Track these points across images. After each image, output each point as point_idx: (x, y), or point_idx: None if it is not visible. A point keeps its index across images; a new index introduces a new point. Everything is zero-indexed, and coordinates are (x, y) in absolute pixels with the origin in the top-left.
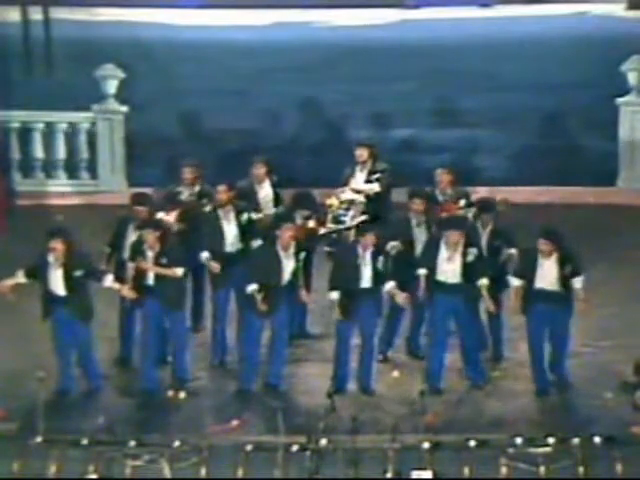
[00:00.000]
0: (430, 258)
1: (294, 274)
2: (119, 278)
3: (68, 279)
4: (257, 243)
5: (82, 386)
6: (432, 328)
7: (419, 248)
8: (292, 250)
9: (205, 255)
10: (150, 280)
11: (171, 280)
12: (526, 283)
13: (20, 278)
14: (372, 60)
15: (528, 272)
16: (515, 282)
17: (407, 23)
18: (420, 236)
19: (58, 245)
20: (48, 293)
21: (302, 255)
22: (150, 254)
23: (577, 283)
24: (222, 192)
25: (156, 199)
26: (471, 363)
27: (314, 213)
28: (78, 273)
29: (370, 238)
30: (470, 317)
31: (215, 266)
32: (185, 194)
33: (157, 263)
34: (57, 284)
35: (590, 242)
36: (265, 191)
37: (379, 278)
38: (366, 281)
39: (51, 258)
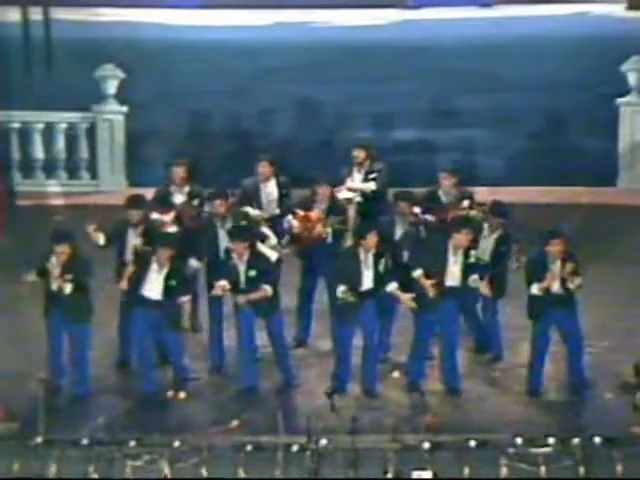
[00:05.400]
0: (440, 261)
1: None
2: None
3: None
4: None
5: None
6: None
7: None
8: (245, 258)
9: (194, 264)
10: (153, 293)
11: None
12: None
13: (32, 277)
14: (372, 60)
15: (539, 277)
16: (534, 289)
17: (407, 23)
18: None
19: (65, 249)
20: (49, 292)
21: (252, 273)
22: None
23: (577, 281)
24: (219, 206)
25: (149, 200)
26: (449, 368)
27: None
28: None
29: (372, 240)
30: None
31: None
32: (177, 195)
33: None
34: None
35: (590, 242)
36: (269, 190)
37: (380, 280)
38: (367, 284)
39: (54, 260)
